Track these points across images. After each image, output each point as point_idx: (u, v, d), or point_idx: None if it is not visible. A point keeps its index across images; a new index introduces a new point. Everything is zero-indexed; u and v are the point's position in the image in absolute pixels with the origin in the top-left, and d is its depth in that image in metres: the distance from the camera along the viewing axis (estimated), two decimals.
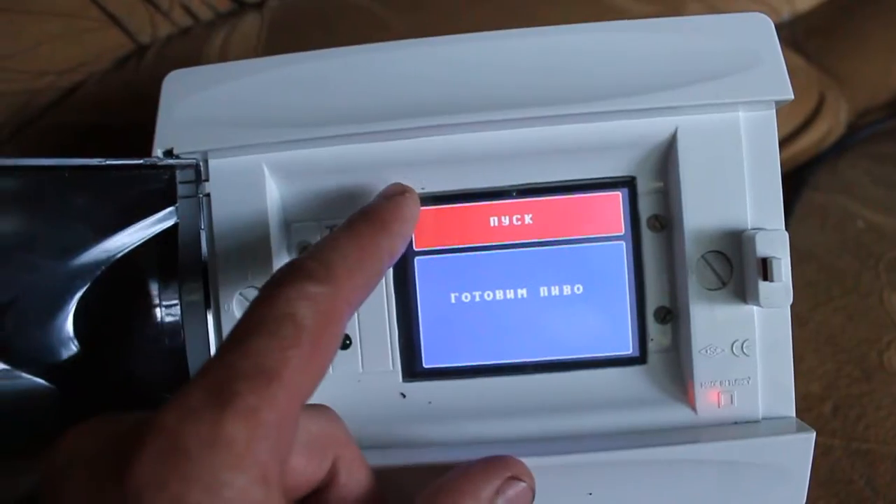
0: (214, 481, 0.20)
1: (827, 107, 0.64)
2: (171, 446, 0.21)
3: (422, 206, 0.37)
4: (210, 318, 0.37)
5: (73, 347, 0.36)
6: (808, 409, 0.45)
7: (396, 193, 0.34)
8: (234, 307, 0.37)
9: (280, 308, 0.25)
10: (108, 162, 0.34)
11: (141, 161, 0.35)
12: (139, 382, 0.37)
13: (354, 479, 0.29)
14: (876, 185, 0.58)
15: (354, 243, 0.29)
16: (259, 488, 0.21)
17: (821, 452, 0.34)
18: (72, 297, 0.36)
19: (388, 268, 0.31)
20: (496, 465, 0.31)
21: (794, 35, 0.63)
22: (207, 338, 0.37)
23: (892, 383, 0.46)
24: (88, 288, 0.36)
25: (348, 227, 0.30)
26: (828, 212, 0.56)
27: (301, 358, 0.24)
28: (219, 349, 0.24)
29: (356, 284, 0.27)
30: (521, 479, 0.31)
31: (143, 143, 0.37)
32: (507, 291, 0.38)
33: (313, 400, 0.26)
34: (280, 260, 0.37)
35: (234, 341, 0.24)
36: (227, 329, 0.37)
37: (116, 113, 0.51)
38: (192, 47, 0.51)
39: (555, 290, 0.37)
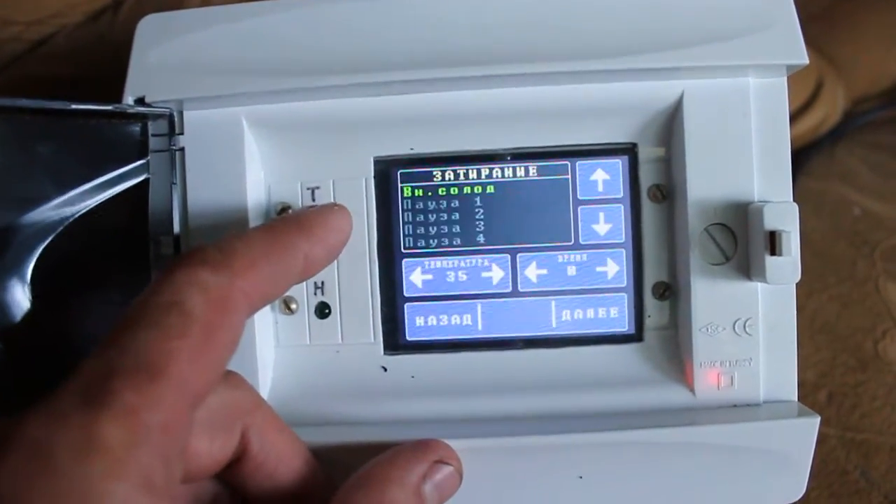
0: (90, 493, 0.18)
1: (824, 93, 0.63)
2: (35, 457, 0.18)
3: (411, 167, 0.35)
4: None
5: (28, 305, 0.33)
6: (803, 398, 0.44)
7: (326, 205, 0.32)
8: None
9: (165, 295, 0.22)
10: (72, 106, 0.32)
11: (110, 107, 0.33)
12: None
13: (270, 446, 0.27)
14: (872, 172, 0.58)
15: (264, 236, 0.27)
16: (143, 496, 0.19)
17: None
18: (31, 253, 0.33)
19: (306, 275, 0.28)
20: (422, 449, 0.30)
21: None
22: None
23: (887, 372, 0.45)
24: (49, 243, 0.34)
25: (264, 224, 0.29)
26: (824, 199, 0.56)
27: (189, 350, 0.21)
28: (96, 346, 0.21)
29: (258, 278, 0.25)
30: (447, 463, 0.30)
31: (118, 100, 0.34)
32: (496, 260, 0.36)
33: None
34: (257, 221, 0.35)
35: (114, 336, 0.21)
36: None
37: (89, 67, 0.48)
38: (171, 0, 0.49)
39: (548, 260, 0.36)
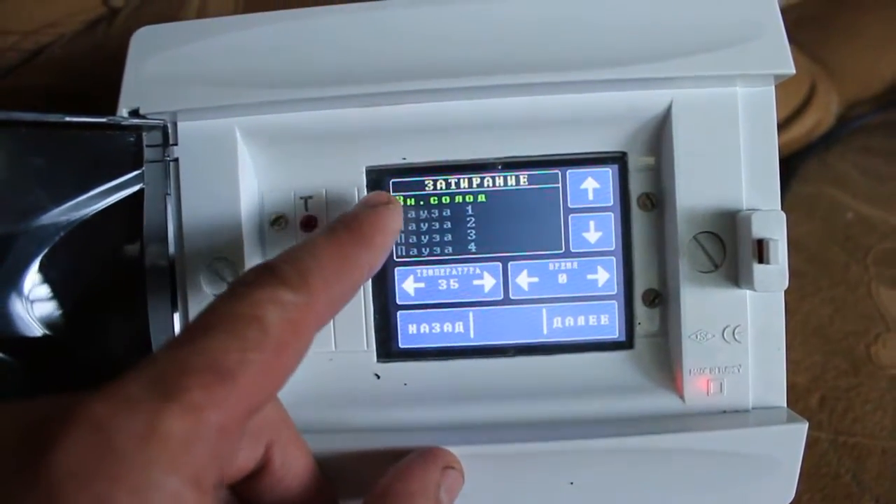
0: (144, 482, 0.19)
1: (817, 97, 0.63)
2: (98, 438, 0.19)
3: (404, 177, 0.36)
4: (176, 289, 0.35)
5: (29, 315, 0.34)
6: (795, 401, 0.44)
7: (380, 203, 0.31)
8: (202, 278, 0.35)
9: (247, 308, 0.23)
10: (67, 119, 0.32)
11: (104, 119, 0.33)
12: (99, 354, 0.35)
13: (290, 461, 0.28)
14: (865, 177, 0.58)
15: (334, 253, 0.27)
16: (191, 493, 0.19)
17: (807, 445, 0.33)
18: (28, 263, 0.34)
19: (365, 282, 0.29)
20: (431, 458, 0.31)
21: (786, 24, 0.62)
22: (171, 309, 0.35)
23: (879, 377, 0.45)
24: (46, 254, 0.34)
25: (329, 234, 0.28)
26: (816, 203, 0.56)
27: (261, 363, 0.22)
28: (168, 343, 0.22)
29: (331, 298, 0.26)
30: (454, 467, 0.31)
31: (113, 110, 0.34)
32: (487, 268, 0.36)
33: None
34: (250, 231, 0.35)
35: (189, 336, 0.22)
36: (192, 301, 0.35)
37: (85, 77, 0.48)
38: (167, 10, 0.49)
39: (539, 268, 0.36)
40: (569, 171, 0.36)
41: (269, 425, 0.27)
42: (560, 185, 0.36)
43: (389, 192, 0.36)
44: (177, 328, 0.35)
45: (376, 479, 0.29)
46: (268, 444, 0.27)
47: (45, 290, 0.35)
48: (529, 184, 0.36)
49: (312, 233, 0.28)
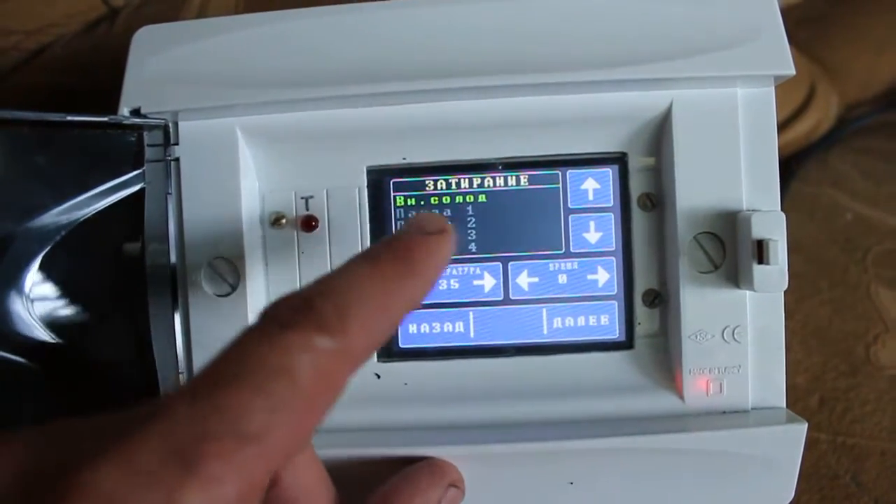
0: None
1: (817, 98, 0.63)
2: None
3: (404, 177, 0.36)
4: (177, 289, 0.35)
5: (29, 314, 0.34)
6: (794, 402, 0.44)
7: (434, 230, 0.26)
8: (202, 277, 0.35)
9: (277, 357, 0.20)
10: (69, 118, 0.32)
11: (106, 118, 0.33)
12: (99, 353, 0.35)
13: (301, 481, 0.26)
14: (865, 178, 0.58)
15: (378, 288, 0.23)
16: None
17: (806, 446, 0.33)
18: (29, 262, 0.34)
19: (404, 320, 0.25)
20: (438, 474, 0.30)
21: (785, 25, 0.62)
22: (171, 308, 0.35)
23: (878, 378, 0.45)
24: (47, 253, 0.34)
25: (373, 262, 0.24)
26: (816, 204, 0.56)
27: (289, 424, 0.20)
28: (185, 392, 0.20)
29: (368, 343, 0.22)
30: (457, 486, 0.31)
31: (114, 109, 0.34)
32: (487, 268, 0.36)
33: None
34: (251, 230, 0.35)
35: (211, 387, 0.19)
36: (192, 300, 0.35)
37: (86, 76, 0.48)
38: (167, 10, 0.49)
39: (539, 268, 0.36)
40: (569, 172, 0.36)
41: None
42: (560, 185, 0.36)
43: (391, 191, 0.36)
44: (177, 327, 0.35)
45: (376, 485, 0.29)
46: None
47: (45, 289, 0.35)
48: (530, 184, 0.36)
49: (353, 258, 0.24)
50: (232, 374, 0.20)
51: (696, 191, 0.34)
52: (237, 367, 0.20)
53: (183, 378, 0.35)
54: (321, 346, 0.21)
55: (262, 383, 0.19)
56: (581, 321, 0.36)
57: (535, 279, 0.36)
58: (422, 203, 0.36)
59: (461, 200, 0.36)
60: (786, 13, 0.34)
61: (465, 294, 0.36)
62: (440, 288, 0.36)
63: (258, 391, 0.19)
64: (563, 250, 0.36)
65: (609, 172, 0.36)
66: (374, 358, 0.36)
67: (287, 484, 0.25)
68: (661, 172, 0.35)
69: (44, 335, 0.34)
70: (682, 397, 0.35)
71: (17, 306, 0.34)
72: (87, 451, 0.18)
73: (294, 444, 0.20)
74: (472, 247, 0.36)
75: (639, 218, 0.36)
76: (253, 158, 0.36)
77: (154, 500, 0.17)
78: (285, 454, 0.20)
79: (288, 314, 0.21)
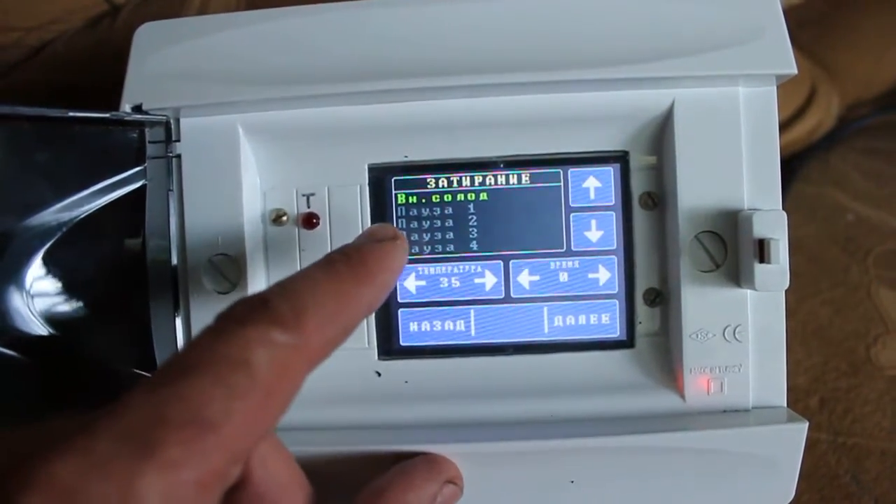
0: None
1: (818, 99, 0.63)
2: None
3: (406, 175, 0.36)
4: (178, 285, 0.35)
5: (30, 311, 0.34)
6: (795, 402, 0.44)
7: (387, 238, 0.28)
8: (203, 275, 0.35)
9: (234, 350, 0.21)
10: (70, 114, 0.32)
11: (107, 115, 0.33)
12: (100, 350, 0.35)
13: (272, 476, 0.25)
14: (866, 178, 0.58)
15: (333, 289, 0.24)
16: None
17: (806, 446, 0.33)
18: (30, 258, 0.34)
19: (363, 321, 0.26)
20: (436, 469, 0.30)
21: (787, 26, 0.62)
22: (173, 306, 0.35)
23: (879, 377, 0.45)
24: (48, 250, 0.34)
25: (329, 267, 0.25)
26: (817, 204, 0.56)
27: (247, 413, 0.20)
28: (144, 384, 0.20)
29: (326, 339, 0.23)
30: (455, 483, 0.30)
31: (115, 106, 0.34)
32: (489, 266, 0.36)
33: None
34: (252, 227, 0.35)
35: (169, 377, 0.20)
36: (193, 297, 0.35)
37: (87, 73, 0.48)
38: (169, 7, 0.49)
39: (540, 267, 0.36)
40: (570, 170, 0.36)
41: None
42: (562, 183, 0.36)
43: (392, 189, 0.36)
44: (178, 325, 0.35)
45: (347, 481, 0.29)
46: (248, 458, 0.24)
47: (46, 286, 0.35)
48: (531, 182, 0.36)
49: (311, 265, 0.25)
50: (191, 366, 0.20)
51: (697, 190, 0.34)
52: (196, 360, 0.20)
53: None
54: (278, 340, 0.21)
55: (220, 374, 0.20)
56: (582, 320, 0.36)
57: (537, 277, 0.36)
58: (423, 200, 0.36)
59: (462, 198, 0.36)
60: (787, 14, 0.34)
61: (466, 292, 0.36)
62: (441, 286, 0.36)
63: (217, 381, 0.20)
64: (565, 249, 0.36)
65: (610, 171, 0.36)
66: (375, 356, 0.36)
67: (258, 479, 0.25)
68: (662, 171, 0.35)
69: (44, 331, 0.34)
70: (682, 396, 0.35)
71: (18, 302, 0.34)
72: (45, 446, 0.18)
73: (252, 434, 0.21)
74: (474, 245, 0.36)
75: (640, 217, 0.36)
76: (254, 155, 0.36)
77: (112, 487, 0.17)
78: (244, 444, 0.20)
79: (246, 312, 0.22)
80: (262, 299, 0.23)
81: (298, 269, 0.35)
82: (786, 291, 0.33)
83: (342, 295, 0.24)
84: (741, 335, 0.34)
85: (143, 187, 0.35)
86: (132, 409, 0.19)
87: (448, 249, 0.36)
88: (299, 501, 0.26)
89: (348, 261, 0.26)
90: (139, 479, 0.17)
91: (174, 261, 0.35)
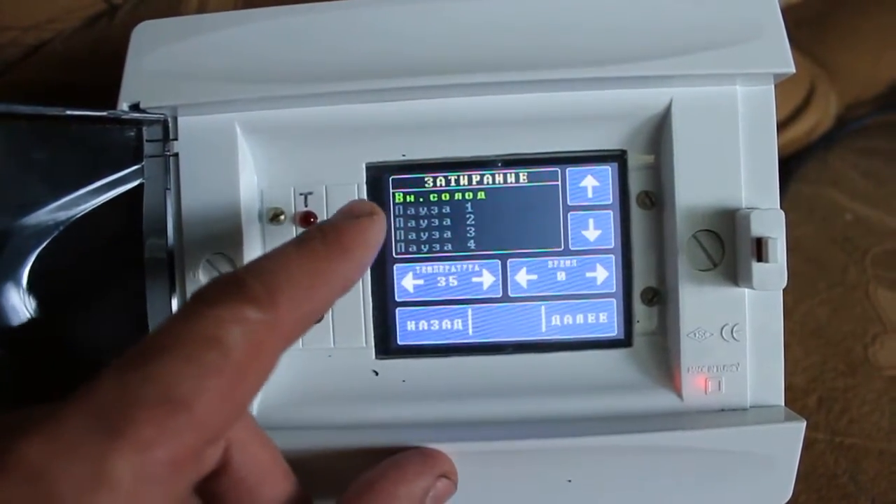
0: None
1: (817, 98, 0.63)
2: (36, 490, 0.17)
3: (403, 173, 0.36)
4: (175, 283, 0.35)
5: (27, 310, 0.34)
6: (793, 402, 0.44)
7: (364, 213, 0.27)
8: (200, 273, 0.35)
9: (206, 328, 0.20)
10: (68, 112, 0.32)
11: (105, 113, 0.33)
12: (96, 349, 0.35)
13: (251, 461, 0.25)
14: (864, 178, 0.58)
15: (307, 266, 0.24)
16: None
17: (804, 446, 0.33)
18: (27, 257, 0.34)
19: (339, 297, 0.26)
20: (429, 463, 0.30)
21: (785, 25, 0.62)
22: (170, 305, 0.35)
23: (877, 377, 0.45)
24: (45, 247, 0.34)
25: (302, 245, 0.25)
26: (815, 204, 0.56)
27: (220, 390, 0.20)
28: (115, 364, 0.20)
29: (299, 316, 0.23)
30: (449, 478, 0.30)
31: (113, 105, 0.34)
32: (486, 265, 0.36)
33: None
34: (250, 226, 0.35)
35: (141, 357, 0.19)
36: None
37: (84, 73, 0.48)
38: (167, 5, 0.49)
39: (538, 266, 0.36)
40: (568, 169, 0.36)
41: None
42: (560, 182, 0.36)
43: (389, 188, 0.36)
44: None
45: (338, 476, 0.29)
46: (226, 445, 0.24)
47: (43, 285, 0.34)
48: (529, 181, 0.36)
49: (285, 242, 0.25)
50: (163, 346, 0.20)
51: (695, 189, 0.34)
52: (168, 340, 0.20)
53: None
54: (251, 318, 0.21)
55: (192, 352, 0.20)
56: (580, 319, 0.36)
57: (534, 277, 0.36)
58: (421, 199, 0.36)
59: (460, 197, 0.36)
60: (785, 13, 0.34)
61: (464, 291, 0.36)
62: (439, 285, 0.36)
63: (189, 360, 0.19)
64: (562, 248, 0.36)
65: (608, 170, 0.36)
66: (373, 355, 0.36)
67: (238, 464, 0.25)
68: (660, 170, 0.35)
69: (41, 330, 0.34)
70: (680, 395, 0.34)
71: (15, 301, 0.34)
72: (15, 430, 0.18)
73: (226, 412, 0.20)
74: (471, 244, 0.36)
75: (638, 216, 0.36)
76: (252, 154, 0.36)
77: (83, 467, 0.17)
78: (218, 423, 0.20)
79: (219, 290, 0.22)
80: (235, 278, 0.22)
81: None
82: (784, 291, 0.33)
83: (316, 272, 0.24)
84: (739, 334, 0.34)
85: (140, 186, 0.35)
86: (103, 389, 0.19)
87: (446, 248, 0.36)
88: (281, 487, 0.26)
89: (324, 237, 0.25)
90: (111, 458, 0.17)
91: (171, 260, 0.35)
